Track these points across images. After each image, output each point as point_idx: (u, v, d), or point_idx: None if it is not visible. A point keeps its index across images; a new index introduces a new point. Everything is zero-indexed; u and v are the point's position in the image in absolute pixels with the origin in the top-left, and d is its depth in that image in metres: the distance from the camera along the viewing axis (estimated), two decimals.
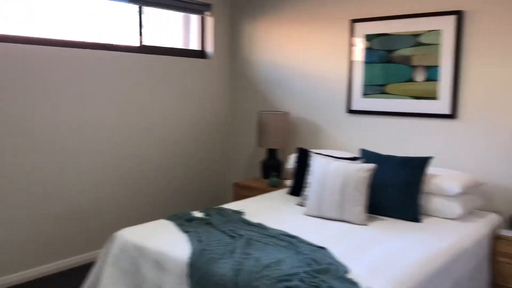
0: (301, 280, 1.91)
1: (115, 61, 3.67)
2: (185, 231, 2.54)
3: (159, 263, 2.31)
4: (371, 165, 2.91)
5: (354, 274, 2.03)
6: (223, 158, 4.71)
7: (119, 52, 3.71)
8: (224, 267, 2.10)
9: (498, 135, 3.16)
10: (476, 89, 3.23)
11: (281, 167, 4.13)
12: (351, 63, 3.82)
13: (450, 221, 2.88)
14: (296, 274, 1.97)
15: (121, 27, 3.82)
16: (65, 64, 3.38)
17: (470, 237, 2.67)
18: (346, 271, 2.04)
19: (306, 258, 2.16)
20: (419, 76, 3.48)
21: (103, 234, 3.68)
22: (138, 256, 2.42)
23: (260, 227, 2.65)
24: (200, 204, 4.44)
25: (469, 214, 3.03)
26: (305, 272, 1.98)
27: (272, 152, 4.14)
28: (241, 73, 4.59)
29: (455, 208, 2.90)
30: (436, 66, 3.39)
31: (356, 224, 2.80)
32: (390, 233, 2.64)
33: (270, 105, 4.38)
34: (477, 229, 2.80)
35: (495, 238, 2.82)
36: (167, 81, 4.08)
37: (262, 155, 4.45)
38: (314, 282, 1.89)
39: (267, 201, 3.33)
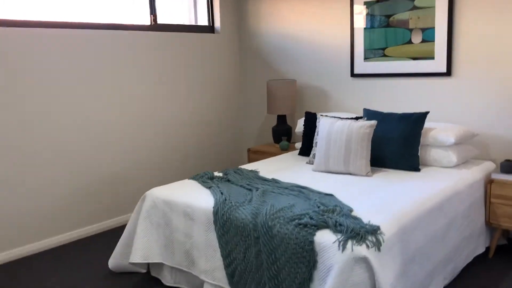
0: (311, 218, 2.22)
1: (128, 39, 3.95)
2: (208, 187, 2.86)
3: (188, 214, 2.64)
4: (373, 122, 3.18)
5: (357, 212, 2.34)
6: (237, 126, 5.01)
7: (131, 31, 3.98)
8: (243, 213, 2.42)
9: (490, 89, 3.40)
10: (468, 47, 3.46)
11: (291, 131, 4.42)
12: (352, 30, 4.05)
13: (447, 169, 3.16)
14: (306, 214, 2.28)
15: (131, 6, 4.08)
16: (84, 44, 3.67)
17: (465, 181, 2.95)
18: (350, 210, 2.35)
19: (314, 202, 2.47)
20: (416, 38, 3.71)
21: (133, 199, 4.05)
22: (168, 210, 2.75)
23: (273, 181, 2.96)
24: (218, 169, 4.77)
25: (464, 162, 3.30)
26: (314, 211, 2.29)
27: (281, 118, 4.42)
28: (248, 45, 4.84)
29: (451, 157, 3.17)
30: (431, 28, 3.61)
31: (360, 175, 3.10)
32: (391, 181, 2.93)
33: (278, 73, 4.65)
34: (472, 174, 3.08)
35: (489, 182, 3.09)
36: (179, 56, 4.36)
37: (272, 121, 4.74)
38: (321, 218, 2.19)
39: (279, 162, 3.63)
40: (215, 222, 2.50)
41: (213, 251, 2.52)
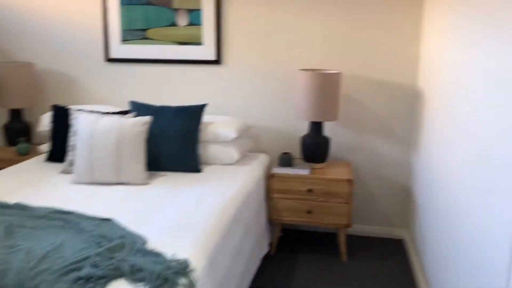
0: (95, 266, 1.55)
1: None
2: None
3: None
4: (147, 118, 2.63)
5: (153, 242, 1.78)
6: None
7: None
8: None
9: (260, 79, 3.27)
10: (238, 33, 3.24)
11: (31, 130, 3.45)
12: (104, 5, 3.35)
13: (229, 167, 2.88)
14: (85, 258, 1.60)
15: None
16: None
17: (252, 179, 2.72)
18: (143, 241, 1.77)
19: (92, 236, 1.79)
20: (182, 20, 3.29)
21: None
22: None
23: (20, 208, 2.10)
24: None
25: (243, 157, 3.09)
26: (97, 254, 1.62)
27: (16, 113, 3.40)
28: None
29: (232, 153, 2.91)
30: (198, 10, 3.25)
31: (137, 184, 2.52)
32: (176, 189, 2.46)
33: (8, 55, 3.55)
34: (254, 171, 2.88)
35: (269, 177, 2.95)
36: None
37: (2, 117, 3.63)
38: (111, 264, 1.56)
39: (20, 173, 2.70)
40: None
41: None
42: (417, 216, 2.90)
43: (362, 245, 3.19)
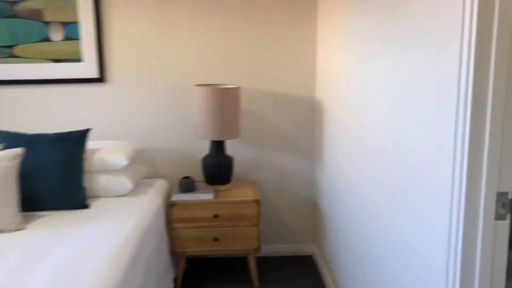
0: None
1: None
2: None
3: None
4: (17, 150, 2.21)
5: None
6: None
7: None
8: None
9: (152, 98, 2.98)
10: (122, 48, 2.93)
11: None
12: None
13: (122, 198, 2.54)
14: None
15: None
16: None
17: (148, 211, 2.41)
18: None
19: None
20: (56, 35, 2.89)
21: None
22: None
23: None
24: None
25: (137, 185, 2.77)
26: None
27: None
28: None
29: (125, 182, 2.57)
30: (75, 22, 2.88)
31: (9, 231, 2.08)
32: (60, 232, 2.07)
33: None
34: (152, 200, 2.57)
35: (169, 205, 2.67)
36: None
37: None
38: None
39: None
40: None
41: None
42: (325, 229, 2.82)
43: (273, 266, 3.03)
